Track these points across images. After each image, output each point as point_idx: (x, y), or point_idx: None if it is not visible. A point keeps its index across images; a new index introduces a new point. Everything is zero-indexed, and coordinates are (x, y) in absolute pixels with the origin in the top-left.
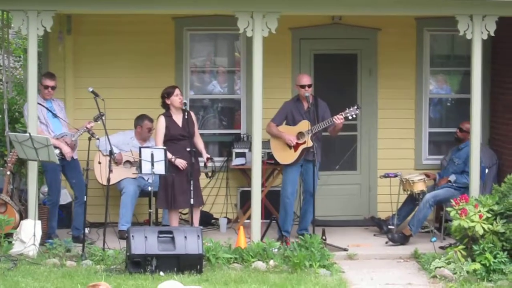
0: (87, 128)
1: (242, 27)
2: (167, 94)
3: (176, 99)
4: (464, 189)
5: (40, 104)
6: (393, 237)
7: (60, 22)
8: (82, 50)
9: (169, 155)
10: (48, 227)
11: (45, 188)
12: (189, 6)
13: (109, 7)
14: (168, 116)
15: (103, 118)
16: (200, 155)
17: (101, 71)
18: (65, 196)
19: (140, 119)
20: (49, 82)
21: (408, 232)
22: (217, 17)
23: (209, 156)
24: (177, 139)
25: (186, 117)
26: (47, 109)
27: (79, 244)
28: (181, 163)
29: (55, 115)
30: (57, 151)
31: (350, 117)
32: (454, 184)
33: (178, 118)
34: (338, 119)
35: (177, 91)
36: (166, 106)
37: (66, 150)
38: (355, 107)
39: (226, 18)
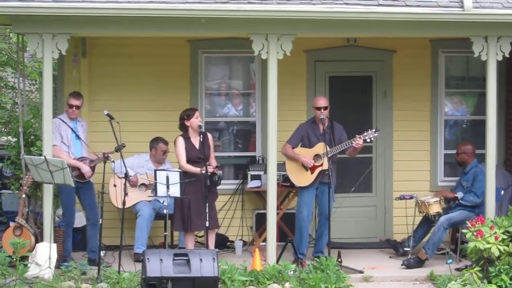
0: (106, 156)
1: (257, 50)
2: (186, 116)
3: (195, 121)
4: (472, 208)
5: (66, 124)
6: (409, 263)
7: (75, 45)
8: (97, 73)
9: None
10: (63, 250)
11: (60, 211)
12: (204, 29)
13: (124, 30)
14: (186, 138)
15: (123, 147)
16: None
17: (116, 94)
18: (81, 219)
19: (155, 142)
20: (74, 101)
21: (424, 256)
22: (232, 39)
23: (218, 165)
24: (194, 162)
25: (201, 139)
26: (71, 130)
27: (94, 267)
28: (211, 168)
29: (78, 137)
30: (74, 174)
31: (368, 140)
32: (461, 201)
33: (195, 141)
34: (357, 142)
35: (197, 113)
36: (184, 128)
37: (86, 169)
38: (374, 130)
39: (241, 41)
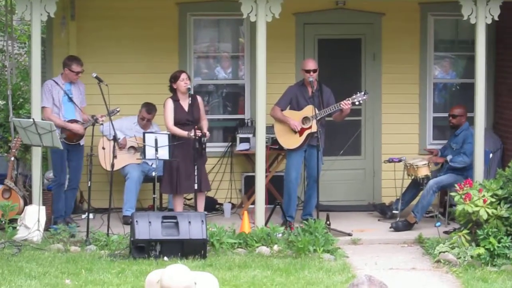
0: (95, 119)
1: (245, 12)
2: (173, 78)
3: (181, 83)
4: (461, 171)
5: (59, 86)
6: (397, 226)
7: (63, 7)
8: (86, 35)
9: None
10: (53, 210)
11: (49, 174)
12: None
13: None
14: (175, 100)
15: (117, 112)
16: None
17: (105, 56)
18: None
19: (142, 106)
20: (78, 68)
21: (413, 220)
22: (220, 2)
23: (205, 132)
24: (182, 124)
25: (190, 102)
26: (64, 92)
27: (83, 230)
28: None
29: (70, 99)
30: (63, 135)
31: (357, 103)
32: (450, 163)
33: (184, 103)
34: (345, 104)
35: (183, 76)
36: (173, 90)
37: (76, 127)
38: (363, 92)
39: (229, 3)
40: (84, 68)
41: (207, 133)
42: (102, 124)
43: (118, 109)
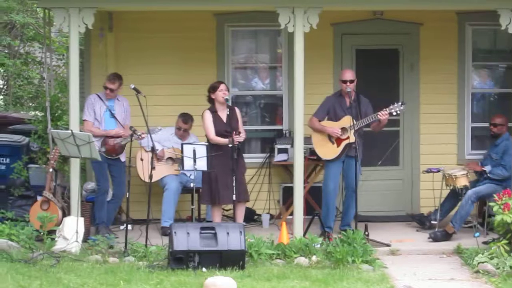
0: (133, 130)
1: (283, 23)
2: (212, 88)
3: (220, 94)
4: (500, 181)
5: (102, 101)
6: (435, 236)
7: (101, 19)
8: (124, 47)
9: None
10: (96, 217)
11: (87, 185)
12: (230, 2)
13: (150, 4)
14: (213, 111)
15: (158, 131)
16: (243, 150)
17: (143, 68)
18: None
19: (179, 116)
20: (109, 84)
21: (451, 230)
22: (258, 13)
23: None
24: (221, 135)
25: (228, 113)
26: (107, 107)
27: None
28: (236, 138)
29: (112, 115)
30: (102, 149)
31: (394, 113)
32: (489, 175)
33: (222, 114)
34: (383, 115)
35: (221, 86)
36: (211, 101)
37: (116, 131)
38: (400, 103)
39: (267, 14)
40: (122, 79)
41: (242, 134)
42: (142, 138)
43: (160, 128)
